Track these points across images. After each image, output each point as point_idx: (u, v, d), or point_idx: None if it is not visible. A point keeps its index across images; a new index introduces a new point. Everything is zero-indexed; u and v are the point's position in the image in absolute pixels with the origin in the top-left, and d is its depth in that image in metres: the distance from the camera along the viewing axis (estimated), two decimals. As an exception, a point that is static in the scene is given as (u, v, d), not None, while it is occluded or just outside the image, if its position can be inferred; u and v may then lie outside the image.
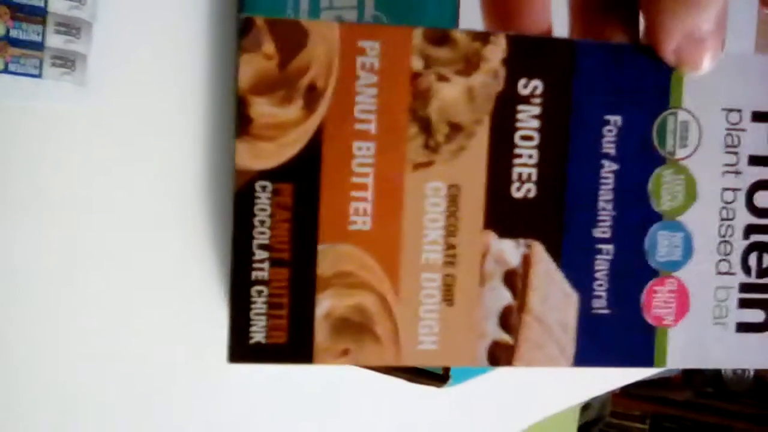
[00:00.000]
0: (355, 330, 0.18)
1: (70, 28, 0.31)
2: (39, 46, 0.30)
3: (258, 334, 0.18)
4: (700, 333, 0.20)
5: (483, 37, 0.18)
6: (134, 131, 0.35)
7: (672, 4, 0.18)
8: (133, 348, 0.36)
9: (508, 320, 0.19)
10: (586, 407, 1.79)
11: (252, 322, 0.18)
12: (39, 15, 0.30)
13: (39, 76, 0.30)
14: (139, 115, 0.35)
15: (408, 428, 0.50)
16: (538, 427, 0.65)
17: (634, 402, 2.09)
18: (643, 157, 0.19)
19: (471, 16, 0.35)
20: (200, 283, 0.38)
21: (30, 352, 0.32)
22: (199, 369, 0.38)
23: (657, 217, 0.19)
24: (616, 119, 0.19)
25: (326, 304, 0.18)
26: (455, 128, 0.18)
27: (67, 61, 0.31)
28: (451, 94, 0.18)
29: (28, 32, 0.29)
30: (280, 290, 0.18)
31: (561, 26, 0.20)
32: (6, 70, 0.29)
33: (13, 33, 0.29)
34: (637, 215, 0.19)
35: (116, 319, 0.35)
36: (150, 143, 0.35)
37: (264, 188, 0.18)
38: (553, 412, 0.64)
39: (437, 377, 0.37)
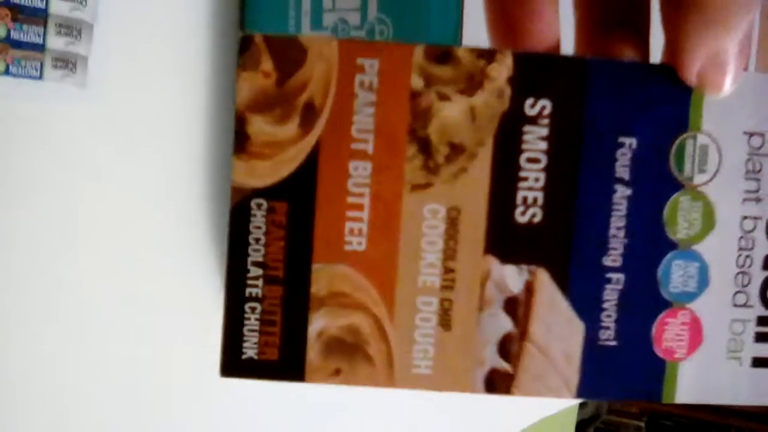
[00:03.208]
0: (347, 350, 0.18)
1: (71, 29, 0.30)
2: (40, 48, 0.30)
3: (250, 350, 0.18)
4: (713, 368, 0.19)
5: (488, 55, 0.18)
6: (135, 133, 0.35)
7: (699, 25, 0.17)
8: (130, 357, 0.36)
9: (507, 348, 0.18)
10: (583, 404, 1.79)
11: (245, 338, 0.18)
12: (40, 16, 0.30)
13: (40, 77, 0.30)
14: (139, 117, 0.35)
15: (407, 430, 0.50)
16: (538, 425, 0.65)
17: (631, 399, 2.09)
18: (658, 182, 0.18)
19: (475, 16, 0.35)
20: (199, 290, 0.38)
21: (27, 355, 0.32)
22: (197, 377, 0.38)
23: (672, 245, 0.18)
24: (630, 142, 0.18)
25: (319, 324, 0.18)
26: (456, 149, 0.18)
27: (68, 63, 0.30)
28: (452, 114, 0.18)
29: (29, 34, 0.29)
30: (274, 308, 0.18)
31: (567, 43, 0.20)
32: (7, 72, 0.29)
33: (14, 35, 0.29)
34: (651, 243, 0.18)
35: (113, 326, 0.35)
36: (150, 146, 0.35)
37: (259, 206, 0.18)
38: (552, 412, 0.64)
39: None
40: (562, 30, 0.20)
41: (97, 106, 0.33)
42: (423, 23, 0.36)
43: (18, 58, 0.29)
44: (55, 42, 0.30)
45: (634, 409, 2.08)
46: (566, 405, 0.66)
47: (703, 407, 2.04)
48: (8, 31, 0.29)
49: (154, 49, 0.35)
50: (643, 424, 2.08)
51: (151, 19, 0.34)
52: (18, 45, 0.29)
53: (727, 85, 0.18)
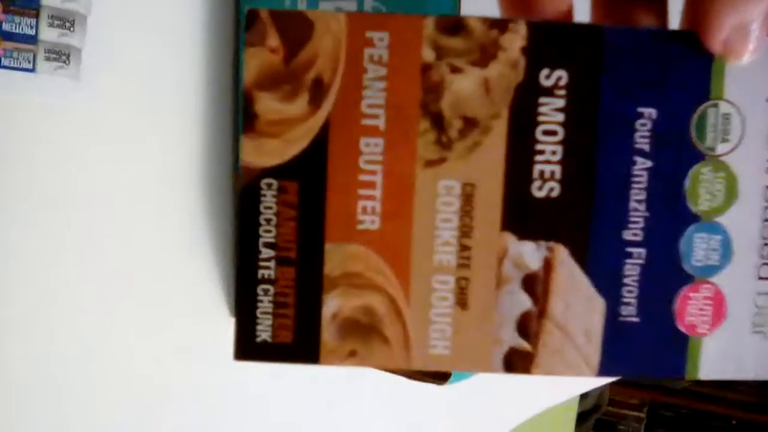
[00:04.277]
0: (363, 331, 0.18)
1: (64, 21, 0.30)
2: (32, 40, 0.29)
3: (264, 332, 0.18)
4: (736, 342, 0.18)
5: (501, 25, 0.17)
6: (128, 126, 0.34)
7: None
8: (130, 347, 0.35)
9: (526, 326, 0.18)
10: (584, 396, 1.79)
11: (258, 321, 0.18)
12: (32, 8, 0.29)
13: (32, 70, 0.29)
14: (133, 109, 0.34)
15: (409, 425, 0.50)
16: (539, 417, 0.65)
17: (632, 390, 2.09)
18: (679, 153, 0.18)
19: (472, 2, 0.34)
20: (197, 279, 0.38)
21: (27, 353, 0.32)
22: (200, 366, 0.38)
23: (694, 218, 0.18)
24: (650, 112, 0.18)
25: (333, 305, 0.18)
26: (470, 123, 0.17)
27: (61, 55, 0.30)
28: (465, 87, 0.17)
29: (22, 25, 0.29)
30: (287, 289, 0.18)
31: (582, 11, 0.19)
32: (-1, 65, 0.28)
33: (6, 26, 0.28)
34: (672, 216, 0.18)
35: (113, 317, 0.34)
36: (144, 138, 0.35)
37: (269, 186, 0.17)
38: (553, 403, 0.64)
39: (438, 375, 0.37)
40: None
41: (90, 99, 0.32)
42: (420, 10, 0.35)
43: (10, 50, 0.29)
44: (48, 34, 0.29)
45: (635, 400, 2.08)
46: (568, 396, 0.65)
47: (705, 398, 2.04)
48: (0, 22, 0.28)
49: (149, 40, 0.34)
50: (643, 415, 2.08)
51: (146, 11, 0.34)
52: (10, 37, 0.29)
53: (752, 53, 0.18)
